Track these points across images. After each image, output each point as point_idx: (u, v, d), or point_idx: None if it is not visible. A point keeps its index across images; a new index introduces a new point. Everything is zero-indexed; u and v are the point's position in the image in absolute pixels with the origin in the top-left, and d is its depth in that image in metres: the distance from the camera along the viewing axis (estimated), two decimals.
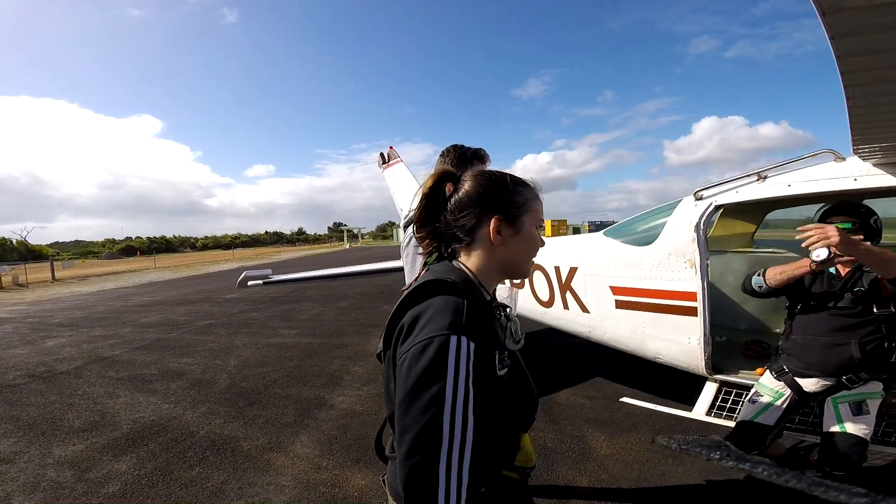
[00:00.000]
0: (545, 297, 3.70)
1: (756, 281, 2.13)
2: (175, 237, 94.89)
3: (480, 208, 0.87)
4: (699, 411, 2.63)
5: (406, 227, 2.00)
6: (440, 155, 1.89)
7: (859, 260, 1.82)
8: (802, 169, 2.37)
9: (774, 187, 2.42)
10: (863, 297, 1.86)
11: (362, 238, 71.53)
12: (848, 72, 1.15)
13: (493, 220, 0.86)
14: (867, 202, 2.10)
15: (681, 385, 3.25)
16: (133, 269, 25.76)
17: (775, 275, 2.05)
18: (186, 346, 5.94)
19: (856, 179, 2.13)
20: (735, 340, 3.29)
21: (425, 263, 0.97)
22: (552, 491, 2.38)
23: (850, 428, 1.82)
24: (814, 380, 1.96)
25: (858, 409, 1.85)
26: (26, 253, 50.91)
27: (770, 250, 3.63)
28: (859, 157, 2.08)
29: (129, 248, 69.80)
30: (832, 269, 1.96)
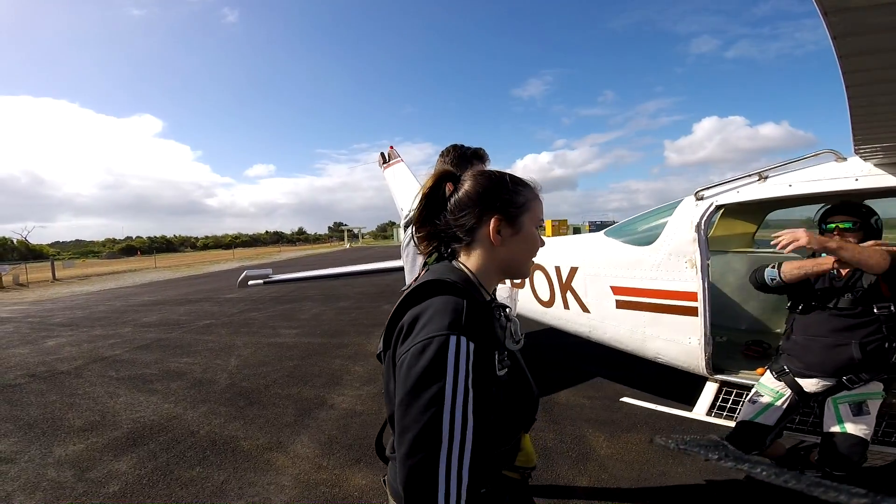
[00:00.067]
0: (546, 296, 3.70)
1: (770, 273, 2.06)
2: (175, 237, 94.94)
3: (480, 208, 0.87)
4: (699, 411, 2.63)
5: (406, 226, 2.00)
6: (440, 155, 1.88)
7: (838, 257, 1.84)
8: (803, 169, 2.37)
9: (775, 187, 2.42)
10: (863, 298, 1.86)
11: (363, 238, 71.55)
12: (850, 72, 1.15)
13: (492, 220, 0.86)
14: (868, 202, 2.09)
15: (681, 385, 3.25)
16: (133, 269, 25.78)
17: (792, 269, 1.99)
18: (187, 346, 5.94)
19: (857, 180, 2.13)
20: (735, 340, 3.29)
21: (425, 263, 0.97)
22: (552, 491, 2.38)
23: (851, 428, 1.82)
24: (814, 380, 1.95)
25: (859, 410, 1.84)
26: (27, 253, 50.94)
27: (771, 250, 3.63)
28: (860, 157, 2.08)
29: (130, 248, 69.83)
30: (833, 270, 1.96)
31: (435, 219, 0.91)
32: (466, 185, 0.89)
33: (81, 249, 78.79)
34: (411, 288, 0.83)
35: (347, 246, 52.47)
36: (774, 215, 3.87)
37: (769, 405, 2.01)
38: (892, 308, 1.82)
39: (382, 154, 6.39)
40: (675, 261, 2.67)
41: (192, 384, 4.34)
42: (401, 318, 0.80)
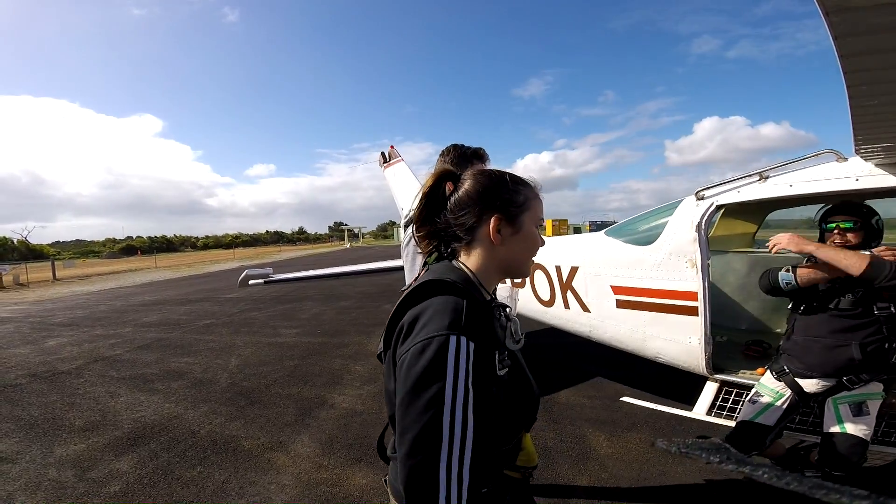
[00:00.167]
0: (546, 296, 3.70)
1: (785, 277, 2.03)
2: (176, 237, 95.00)
3: (480, 207, 0.87)
4: (699, 411, 2.63)
5: (406, 226, 2.00)
6: (440, 154, 1.89)
7: (817, 258, 1.90)
8: (804, 169, 2.37)
9: (776, 187, 2.42)
10: (863, 299, 1.85)
11: (363, 237, 71.55)
12: (851, 72, 1.15)
13: (492, 219, 0.86)
14: (869, 202, 2.09)
15: (681, 385, 3.25)
16: (134, 269, 25.80)
17: (808, 273, 1.96)
18: (187, 346, 5.95)
19: (857, 180, 2.13)
20: (735, 340, 3.29)
21: (425, 263, 0.97)
22: (552, 490, 2.38)
23: (851, 428, 1.82)
24: (814, 381, 1.95)
25: (858, 410, 1.84)
26: (27, 252, 50.98)
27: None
28: (861, 157, 2.07)
29: (130, 248, 69.87)
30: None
31: (435, 218, 0.91)
32: (466, 185, 0.89)
33: (82, 249, 78.87)
34: (411, 288, 0.83)
35: (348, 246, 52.48)
36: (775, 215, 3.86)
37: (769, 405, 2.01)
38: (893, 309, 1.82)
39: (383, 153, 6.39)
40: (675, 260, 2.67)
41: (192, 384, 4.35)
42: (401, 318, 0.80)
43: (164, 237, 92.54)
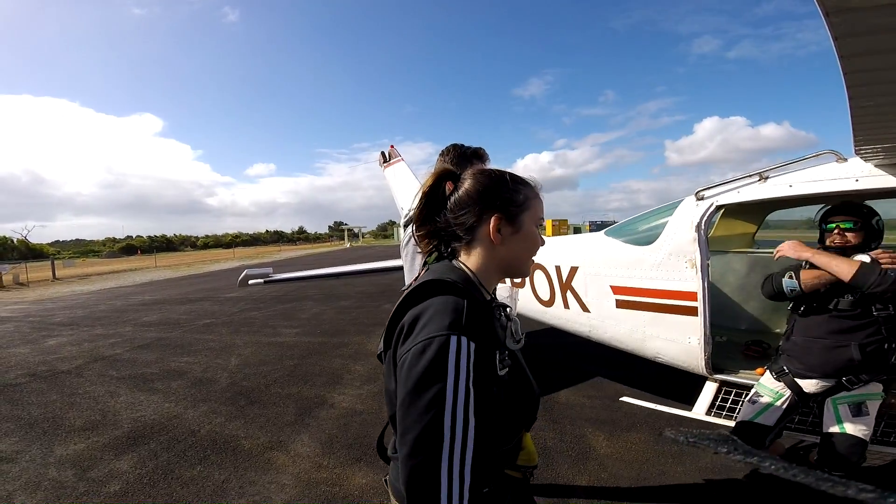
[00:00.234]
0: (546, 296, 3.70)
1: (789, 284, 2.02)
2: (176, 236, 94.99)
3: (480, 206, 0.87)
4: (699, 411, 2.63)
5: (406, 225, 2.00)
6: (440, 154, 1.89)
7: (813, 264, 1.94)
8: (804, 169, 2.37)
9: (776, 188, 2.42)
10: (862, 300, 1.86)
11: (363, 237, 71.55)
12: (851, 72, 1.15)
13: (493, 219, 0.86)
14: (869, 203, 2.09)
15: (681, 385, 3.25)
16: (134, 268, 25.79)
17: (811, 278, 1.96)
18: (187, 345, 5.95)
19: (857, 180, 2.13)
20: (735, 340, 3.29)
21: (425, 263, 0.97)
22: (552, 490, 2.39)
23: (850, 429, 1.83)
24: (814, 381, 1.96)
25: (858, 411, 1.85)
26: (27, 252, 50.97)
27: (771, 251, 3.63)
28: (861, 158, 2.08)
29: (130, 247, 69.86)
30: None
31: (435, 217, 0.91)
32: (466, 184, 0.89)
33: (82, 248, 78.84)
34: (411, 288, 0.83)
35: (348, 245, 52.46)
36: (775, 216, 3.86)
37: (769, 405, 2.01)
38: (892, 310, 1.83)
39: (383, 153, 6.39)
40: (675, 261, 2.67)
41: (192, 383, 4.35)
42: (401, 318, 0.80)
43: (163, 237, 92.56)
